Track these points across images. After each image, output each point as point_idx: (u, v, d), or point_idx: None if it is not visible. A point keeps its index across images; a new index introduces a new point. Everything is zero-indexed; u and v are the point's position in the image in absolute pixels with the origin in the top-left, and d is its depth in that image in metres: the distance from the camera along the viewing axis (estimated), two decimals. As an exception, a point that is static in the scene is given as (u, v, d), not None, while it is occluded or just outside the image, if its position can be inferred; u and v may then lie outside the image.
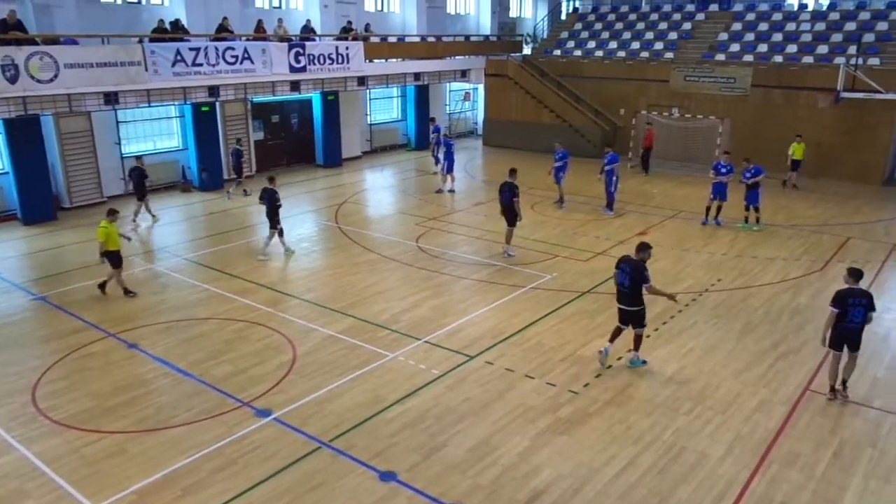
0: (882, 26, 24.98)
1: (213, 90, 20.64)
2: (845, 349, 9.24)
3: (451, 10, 33.08)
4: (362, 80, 24.91)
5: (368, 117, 28.64)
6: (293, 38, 22.85)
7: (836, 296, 9.09)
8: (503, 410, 9.04)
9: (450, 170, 21.38)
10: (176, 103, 20.43)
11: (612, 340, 10.23)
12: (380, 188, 22.50)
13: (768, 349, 10.89)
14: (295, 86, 22.65)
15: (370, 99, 28.67)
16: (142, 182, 17.75)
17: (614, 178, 18.60)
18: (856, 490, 7.54)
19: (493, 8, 34.18)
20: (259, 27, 22.40)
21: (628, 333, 10.25)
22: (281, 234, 15.32)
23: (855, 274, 9.16)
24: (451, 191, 21.45)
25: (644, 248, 9.94)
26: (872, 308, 8.99)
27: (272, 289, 13.26)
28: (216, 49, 20.07)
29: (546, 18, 36.04)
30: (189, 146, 21.95)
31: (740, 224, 17.60)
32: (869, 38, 24.45)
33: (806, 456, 8.13)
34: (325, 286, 13.50)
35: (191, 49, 19.50)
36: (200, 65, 19.72)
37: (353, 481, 7.63)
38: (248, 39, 21.44)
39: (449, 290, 13.36)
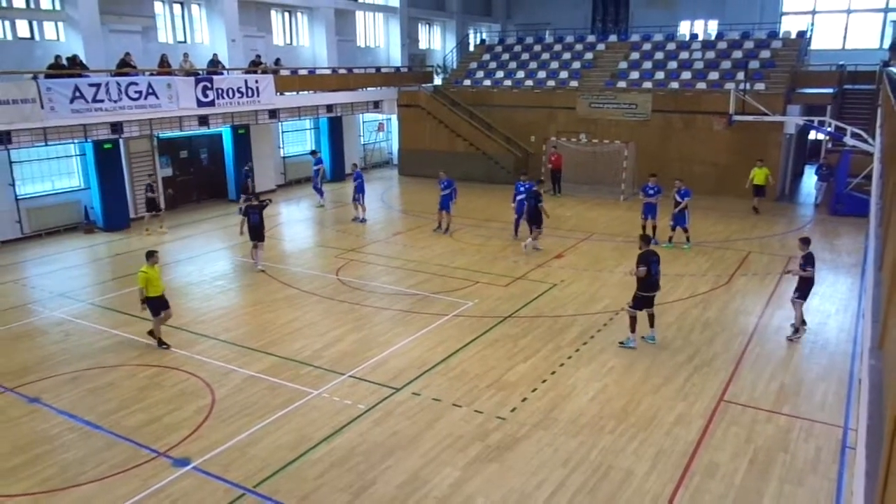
0: (765, 54, 26.88)
1: (117, 126, 19.85)
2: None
3: (360, 42, 33.28)
4: (274, 113, 24.60)
5: (282, 150, 28.25)
6: (200, 72, 22.35)
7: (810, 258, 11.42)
8: (432, 441, 8.95)
9: (361, 199, 21.48)
10: (76, 141, 19.51)
11: (635, 330, 11.72)
12: (296, 221, 22.15)
13: (683, 363, 11.29)
14: (203, 120, 22.10)
15: (283, 132, 28.32)
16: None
17: (525, 206, 18.67)
18: (772, 495, 7.86)
19: (402, 40, 34.63)
20: (163, 62, 21.80)
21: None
22: (259, 248, 16.55)
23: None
24: (363, 220, 21.44)
25: (649, 239, 11.73)
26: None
27: (186, 330, 12.73)
28: (118, 84, 19.36)
29: (455, 50, 36.80)
30: (91, 185, 20.96)
31: (665, 244, 18.23)
32: (754, 65, 26.24)
33: (725, 465, 8.43)
34: (243, 325, 13.09)
35: (91, 85, 18.72)
36: (102, 101, 18.95)
37: (280, 528, 7.32)
38: (151, 74, 20.81)
39: (371, 322, 13.22)
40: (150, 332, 12.14)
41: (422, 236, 19.67)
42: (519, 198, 18.83)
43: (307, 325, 13.04)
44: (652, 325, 12.07)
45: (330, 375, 10.84)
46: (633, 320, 11.80)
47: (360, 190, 21.39)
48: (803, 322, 12.43)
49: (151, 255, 11.91)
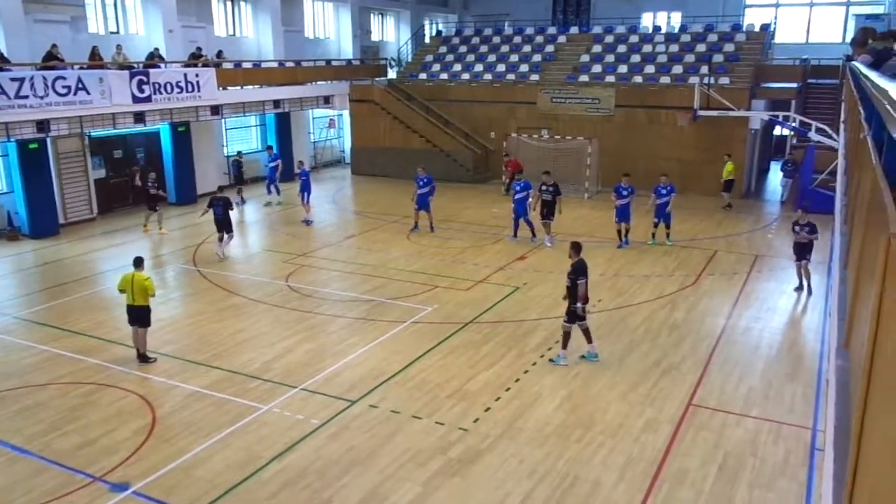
0: (729, 47, 27.59)
1: (43, 125, 19.29)
2: None
3: (309, 34, 33.01)
4: (216, 109, 24.25)
5: (226, 149, 27.86)
6: (135, 65, 21.90)
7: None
8: (391, 456, 8.93)
9: (307, 199, 21.46)
10: (-3, 141, 18.92)
11: (566, 346, 11.54)
12: (242, 225, 21.86)
13: (651, 367, 11.51)
14: (139, 117, 21.65)
15: (226, 129, 27.93)
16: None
17: (526, 207, 18.90)
18: (742, 500, 8.07)
19: (353, 31, 34.49)
20: (94, 54, 21.28)
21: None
22: (227, 239, 17.53)
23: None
24: (309, 221, 21.34)
25: (580, 246, 11.47)
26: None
27: (123, 344, 12.44)
28: (44, 79, 18.81)
29: (409, 42, 36.82)
30: (15, 189, 20.33)
31: (650, 241, 18.61)
32: (718, 58, 26.91)
33: (694, 472, 8.62)
34: (186, 337, 12.88)
35: (13, 80, 18.15)
36: (26, 97, 18.39)
37: (229, 554, 7.22)
38: (81, 68, 20.29)
39: (324, 331, 13.14)
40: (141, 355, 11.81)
41: (377, 239, 19.64)
42: (518, 196, 18.96)
43: (255, 335, 12.90)
44: (590, 340, 11.62)
45: (280, 389, 10.74)
46: (567, 336, 11.46)
47: (304, 189, 21.28)
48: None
49: (139, 263, 11.73)
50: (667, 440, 9.30)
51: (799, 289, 15.24)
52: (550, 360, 11.67)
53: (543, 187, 18.55)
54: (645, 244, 18.76)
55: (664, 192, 18.49)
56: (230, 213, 17.82)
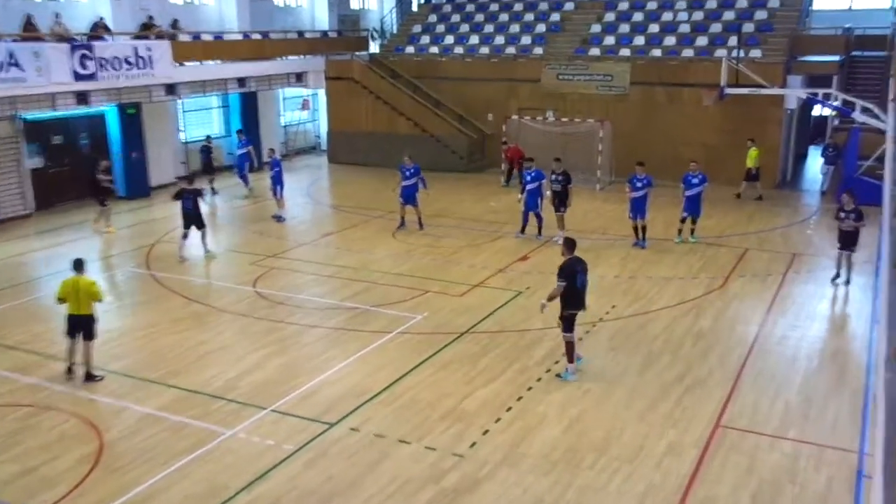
0: (761, 15, 27.68)
1: (-31, 107, 19.22)
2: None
3: (279, 1, 32.97)
4: (171, 89, 24.17)
5: (183, 134, 27.77)
6: (77, 37, 21.80)
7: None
8: (376, 486, 8.93)
9: (280, 193, 21.39)
10: (-83, 125, 18.83)
11: (573, 358, 11.74)
12: (209, 220, 21.77)
13: (673, 382, 11.54)
14: (82, 98, 21.55)
15: (184, 111, 27.85)
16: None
17: (538, 199, 18.96)
18: (778, 534, 8.11)
19: (330, -2, 34.48)
20: (28, 24, 21.18)
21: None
22: (201, 234, 17.78)
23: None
24: (282, 218, 21.38)
25: (573, 243, 11.76)
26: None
27: (65, 360, 12.38)
28: (-30, 53, 18.73)
29: (394, 10, 36.81)
30: (-61, 180, 20.24)
31: (676, 239, 18.68)
32: (748, 28, 26.99)
33: (724, 500, 8.66)
34: (138, 351, 12.85)
35: (-69, 53, 18.07)
36: (-50, 74, 18.31)
37: None
38: (13, 40, 20.19)
39: (298, 343, 13.13)
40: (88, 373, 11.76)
41: (358, 237, 19.63)
42: (529, 188, 18.99)
43: (218, 349, 12.87)
44: (571, 360, 11.74)
45: (248, 410, 10.71)
46: (571, 346, 11.60)
47: (277, 182, 21.23)
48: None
49: (80, 266, 11.69)
50: (692, 465, 9.32)
51: (836, 279, 15.72)
52: (557, 376, 11.69)
53: (553, 176, 18.68)
54: (669, 241, 18.80)
55: (695, 181, 18.49)
56: (200, 206, 17.86)
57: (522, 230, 19.44)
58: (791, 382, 11.55)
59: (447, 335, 13.32)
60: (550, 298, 11.42)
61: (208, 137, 26.42)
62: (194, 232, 17.77)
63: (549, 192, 18.95)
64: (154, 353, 12.75)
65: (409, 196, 19.83)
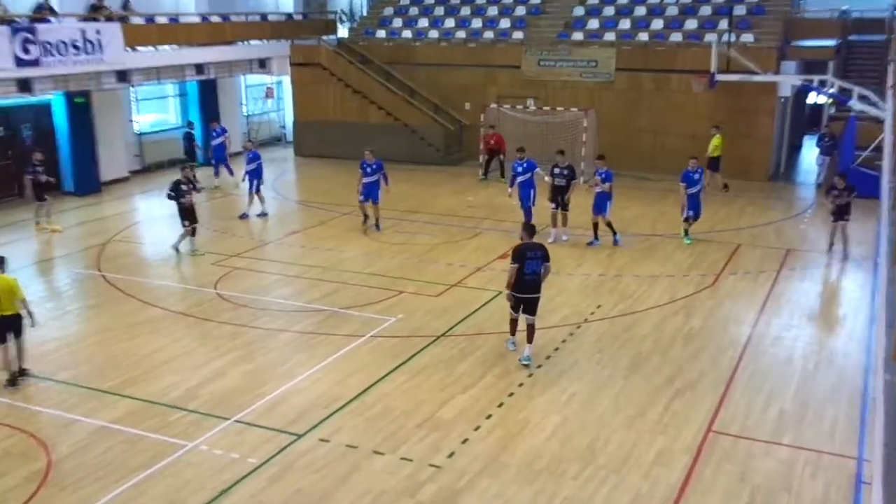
0: (752, -3, 27.92)
1: None
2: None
3: (240, -19, 32.77)
4: (123, 76, 23.94)
5: (136, 125, 27.54)
6: (18, 19, 21.52)
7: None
8: (347, 501, 8.92)
9: (258, 188, 21.23)
10: None
11: (514, 333, 12.71)
12: (159, 219, 21.62)
13: (662, 386, 11.63)
14: (25, 85, 21.29)
15: (137, 100, 27.62)
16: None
17: (531, 192, 18.75)
18: (774, 545, 8.21)
19: (295, -22, 34.31)
20: (-36, 6, 20.90)
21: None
22: (193, 232, 17.89)
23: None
24: (264, 214, 21.26)
25: (533, 229, 12.70)
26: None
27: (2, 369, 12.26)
28: None
29: (364, -9, 36.70)
30: None
31: (684, 238, 18.64)
32: (740, 10, 27.24)
33: (716, 511, 8.74)
34: (89, 359, 12.72)
35: None
36: None
37: None
38: (-49, 23, 19.93)
39: (263, 348, 13.08)
40: (14, 376, 11.73)
41: (327, 235, 19.58)
42: (519, 180, 18.77)
43: (178, 355, 12.79)
44: (530, 341, 12.34)
45: (210, 421, 10.66)
46: (513, 323, 12.67)
47: (256, 175, 21.09)
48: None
49: (2, 262, 11.61)
50: (683, 474, 9.40)
51: (831, 248, 17.38)
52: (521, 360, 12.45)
53: (556, 170, 18.53)
54: (657, 238, 18.90)
55: (697, 177, 18.48)
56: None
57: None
58: (786, 385, 11.68)
59: (423, 338, 13.33)
60: (508, 286, 12.27)
61: (190, 123, 26.34)
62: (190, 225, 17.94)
63: (547, 181, 18.82)
64: (107, 360, 12.63)
65: (371, 193, 19.51)
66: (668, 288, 15.76)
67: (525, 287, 12.15)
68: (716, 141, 23.49)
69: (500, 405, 11.07)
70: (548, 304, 14.16)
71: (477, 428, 10.46)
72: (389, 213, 20.49)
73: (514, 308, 12.41)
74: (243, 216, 21.17)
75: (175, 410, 10.97)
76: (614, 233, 18.44)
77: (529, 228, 12.65)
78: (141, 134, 27.62)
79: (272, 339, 13.46)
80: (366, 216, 19.86)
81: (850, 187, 17.18)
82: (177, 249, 17.99)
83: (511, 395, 11.38)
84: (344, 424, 10.57)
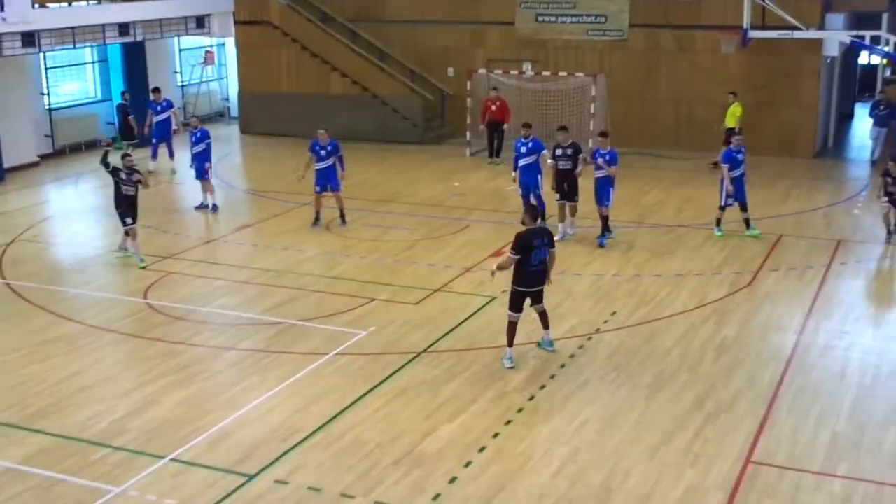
0: (792, -63, 28.03)
1: None
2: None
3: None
4: (30, 38, 23.80)
5: (46, 98, 27.36)
6: None
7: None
8: (310, 556, 8.87)
9: (204, 174, 21.13)
10: None
11: (512, 344, 12.82)
12: (75, 213, 21.52)
13: (691, 409, 11.61)
14: (-89, 52, 21.16)
15: (46, 68, 27.44)
16: None
17: (538, 177, 18.67)
18: None
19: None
20: None
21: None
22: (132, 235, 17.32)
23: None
24: (214, 206, 21.22)
25: (535, 211, 13.50)
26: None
27: None
28: None
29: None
30: None
31: (716, 231, 18.62)
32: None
33: (758, 560, 8.74)
34: (-9, 386, 12.61)
35: None
36: None
37: None
38: None
39: (205, 370, 12.99)
40: None
41: (282, 230, 19.53)
42: (523, 162, 18.59)
43: (100, 380, 12.69)
44: (546, 326, 13.18)
45: (141, 460, 10.56)
46: (511, 328, 12.78)
47: (207, 158, 21.05)
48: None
49: None
50: (717, 516, 9.40)
51: (890, 238, 17.73)
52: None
53: (559, 151, 18.19)
54: (681, 228, 18.92)
55: (741, 157, 18.35)
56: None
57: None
58: (839, 405, 11.67)
59: (400, 356, 13.26)
60: (500, 267, 12.97)
61: (124, 93, 26.18)
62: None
63: (545, 174, 18.68)
64: (13, 388, 12.50)
65: (326, 181, 19.34)
66: (696, 290, 15.76)
67: (532, 280, 12.61)
68: (735, 110, 23.58)
69: (496, 435, 11.00)
70: (552, 312, 14.15)
71: (468, 464, 10.40)
72: (357, 204, 20.42)
73: (517, 306, 12.69)
74: (202, 206, 21.16)
75: (98, 448, 10.85)
76: (606, 230, 18.17)
77: (531, 210, 13.11)
78: (52, 109, 27.42)
79: (215, 359, 13.37)
80: (318, 213, 19.62)
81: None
82: (125, 249, 17.75)
83: (509, 423, 11.32)
84: (305, 462, 10.48)
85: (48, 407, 11.91)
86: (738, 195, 18.50)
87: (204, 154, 21.08)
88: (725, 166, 18.38)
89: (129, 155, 18.32)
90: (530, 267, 12.47)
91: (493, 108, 25.31)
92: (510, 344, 12.78)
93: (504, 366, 12.71)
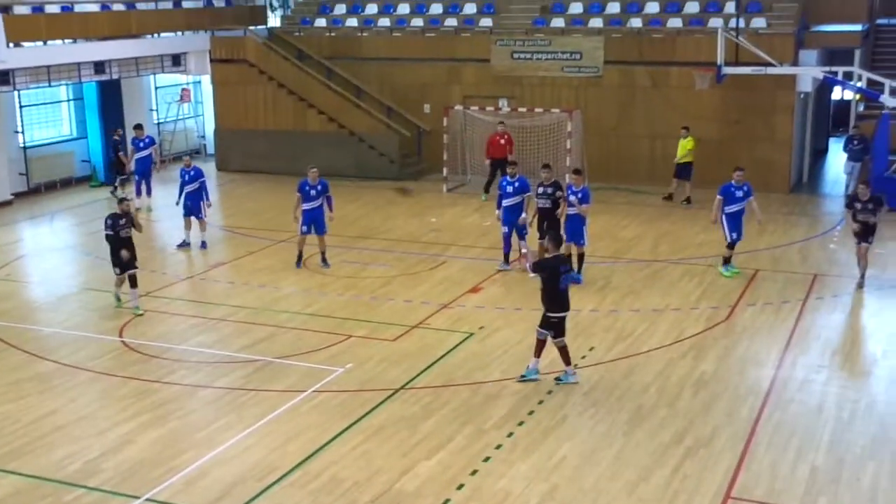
0: (764, -25, 28.41)
1: None
2: None
3: (147, -39, 32.74)
4: (4, 76, 23.80)
5: (21, 137, 27.26)
6: None
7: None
8: None
9: (198, 212, 21.08)
10: None
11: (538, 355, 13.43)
12: (49, 251, 21.42)
13: (670, 444, 11.62)
14: None
15: (21, 106, 27.36)
16: None
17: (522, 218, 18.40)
18: None
19: (215, -43, 34.36)
20: None
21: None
22: (132, 282, 16.73)
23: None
24: (203, 244, 21.15)
25: (560, 239, 14.09)
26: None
27: None
28: None
29: (300, -28, 36.84)
30: None
31: (727, 270, 18.28)
32: (749, -10, 27.70)
33: None
34: (-37, 427, 12.46)
35: None
36: None
37: None
38: None
39: (180, 409, 12.92)
40: None
41: (259, 268, 19.50)
42: (507, 203, 18.37)
43: (74, 420, 12.60)
44: (568, 363, 13.46)
45: (115, 501, 10.49)
46: (564, 350, 13.33)
47: (202, 197, 21.08)
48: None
49: None
50: (697, 552, 9.39)
51: (861, 282, 17.40)
52: (557, 380, 13.44)
53: (540, 189, 18.18)
54: (658, 263, 19.01)
55: (740, 194, 18.03)
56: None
57: (506, 260, 18.89)
58: (818, 439, 11.71)
59: (378, 392, 13.23)
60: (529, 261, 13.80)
61: (117, 129, 26.29)
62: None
63: (529, 213, 18.46)
64: (-15, 428, 12.39)
65: (313, 222, 19.08)
66: (673, 325, 15.82)
67: (564, 304, 13.27)
68: (687, 144, 23.92)
69: (474, 473, 10.97)
70: (530, 347, 14.15)
71: (446, 501, 10.35)
72: (335, 241, 20.39)
73: (561, 331, 13.24)
74: (184, 244, 21.16)
75: (72, 488, 10.76)
76: (579, 267, 17.90)
77: (556, 238, 13.78)
78: (26, 147, 27.32)
79: (191, 398, 13.31)
80: (301, 253, 19.42)
81: (876, 199, 17.13)
82: (118, 298, 17.17)
83: (487, 459, 11.29)
84: (282, 501, 10.42)
85: (22, 447, 11.81)
86: (736, 229, 18.12)
87: (197, 193, 21.05)
88: (719, 198, 18.10)
89: (127, 199, 17.99)
90: (559, 292, 13.07)
91: (502, 141, 25.11)
92: (568, 363, 13.40)
93: (569, 381, 13.34)
